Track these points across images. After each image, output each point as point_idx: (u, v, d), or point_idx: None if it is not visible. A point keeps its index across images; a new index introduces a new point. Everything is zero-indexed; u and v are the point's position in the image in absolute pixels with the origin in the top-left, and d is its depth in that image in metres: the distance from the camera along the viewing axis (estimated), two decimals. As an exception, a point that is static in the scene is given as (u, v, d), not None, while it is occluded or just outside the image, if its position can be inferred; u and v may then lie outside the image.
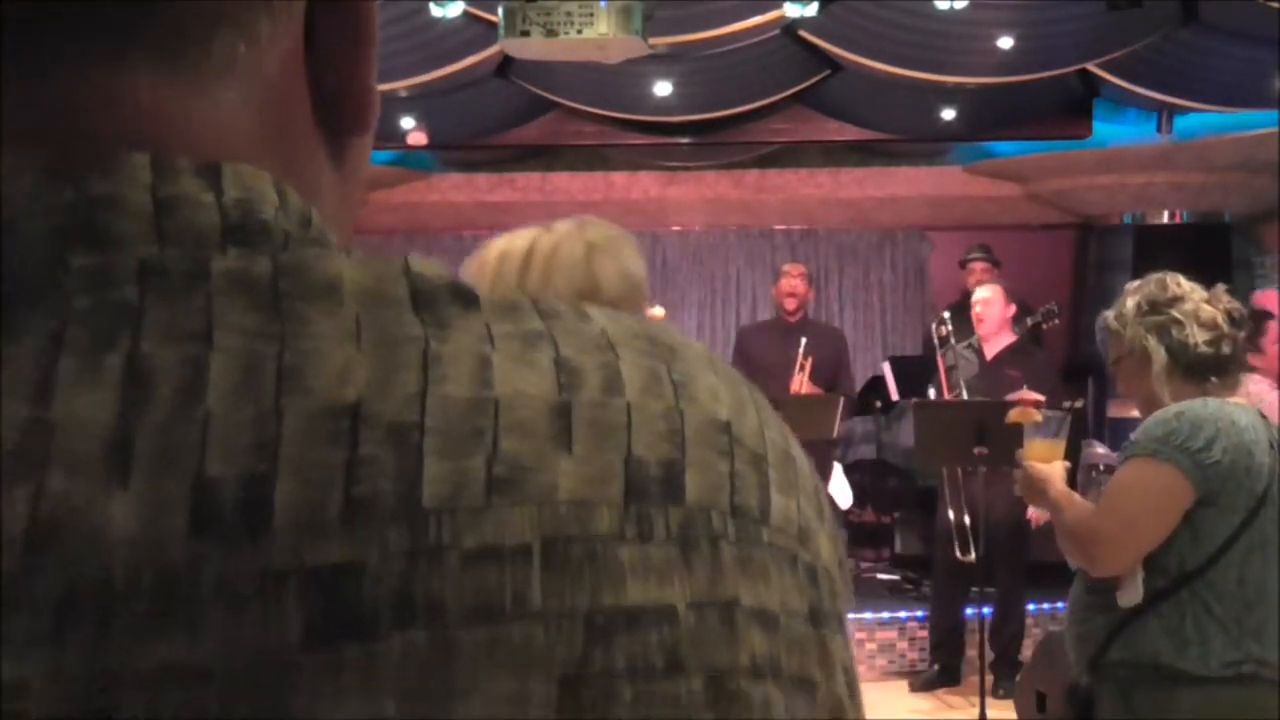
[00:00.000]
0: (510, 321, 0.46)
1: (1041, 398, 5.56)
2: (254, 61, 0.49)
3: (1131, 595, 2.88)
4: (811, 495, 0.50)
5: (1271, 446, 2.89)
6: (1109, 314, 3.09)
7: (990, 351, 6.77)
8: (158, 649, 0.40)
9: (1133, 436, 2.94)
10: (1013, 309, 6.84)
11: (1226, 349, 2.96)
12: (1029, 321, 7.51)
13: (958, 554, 6.23)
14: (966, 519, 6.26)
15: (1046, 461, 3.11)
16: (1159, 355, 2.97)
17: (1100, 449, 3.65)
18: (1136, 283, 3.08)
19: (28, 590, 0.40)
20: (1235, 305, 3.01)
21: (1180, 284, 3.02)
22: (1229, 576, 2.84)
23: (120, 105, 0.46)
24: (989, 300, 6.75)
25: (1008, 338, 6.78)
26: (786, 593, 0.46)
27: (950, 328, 6.81)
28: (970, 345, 6.76)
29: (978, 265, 8.06)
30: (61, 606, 0.40)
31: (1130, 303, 3.04)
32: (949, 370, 6.67)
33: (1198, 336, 2.94)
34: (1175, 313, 2.96)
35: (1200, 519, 2.84)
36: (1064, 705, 3.09)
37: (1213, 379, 2.95)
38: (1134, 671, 2.88)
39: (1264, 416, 2.97)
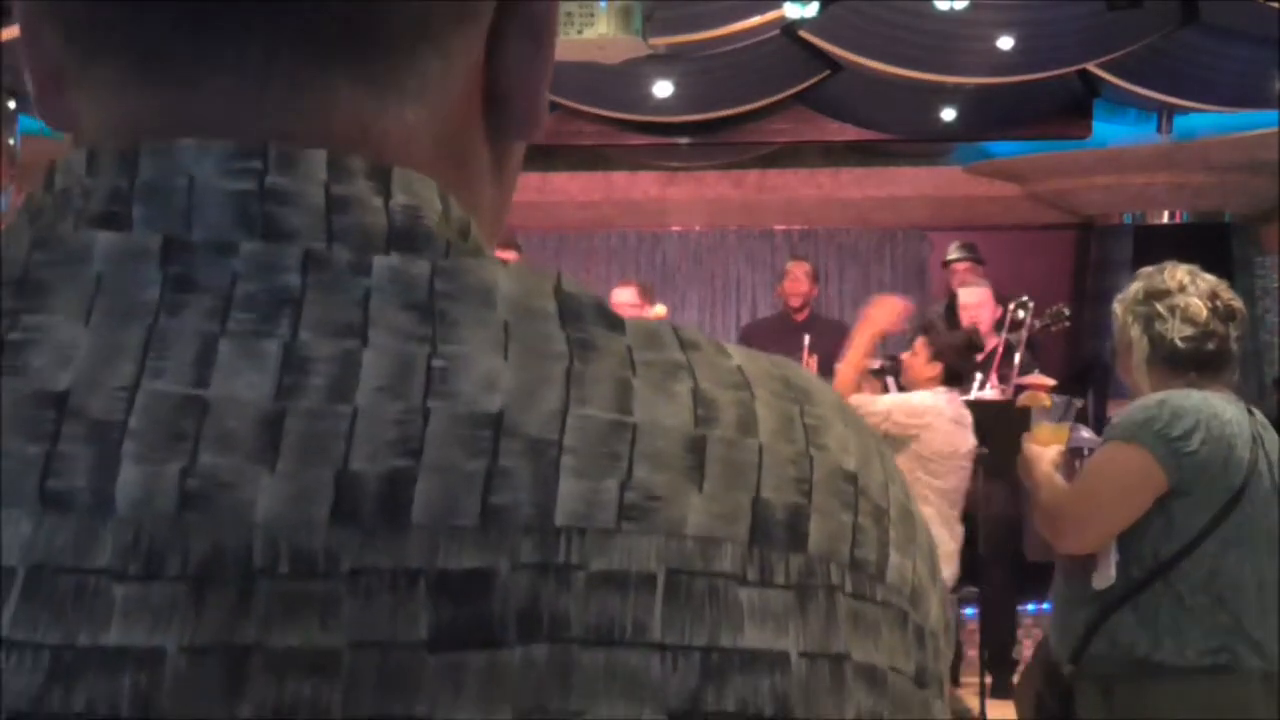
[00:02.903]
0: (652, 349, 0.47)
1: (1052, 382, 5.54)
2: (442, 76, 0.50)
3: (1104, 577, 2.89)
4: (926, 555, 0.50)
5: (1254, 441, 2.88)
6: (1119, 296, 3.11)
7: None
8: (291, 630, 0.40)
9: (1113, 420, 2.97)
10: (998, 311, 6.76)
11: (1211, 346, 2.95)
12: (1036, 324, 7.47)
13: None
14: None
15: (1051, 444, 3.15)
16: (1140, 345, 2.98)
17: (1085, 433, 3.72)
18: (1151, 268, 3.09)
19: (171, 561, 0.40)
20: (1233, 304, 3.00)
21: (1177, 276, 3.01)
22: (1201, 567, 2.84)
23: (312, 109, 0.47)
24: (981, 303, 6.69)
25: (993, 340, 6.64)
26: (895, 652, 0.47)
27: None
28: None
29: (960, 266, 7.93)
30: (202, 579, 0.40)
31: (1132, 289, 3.05)
32: None
33: (1178, 331, 2.94)
34: (1161, 306, 2.96)
35: (1174, 509, 2.84)
36: (1047, 692, 3.10)
37: (1193, 374, 2.95)
38: (1113, 666, 2.89)
39: (1251, 411, 2.96)
